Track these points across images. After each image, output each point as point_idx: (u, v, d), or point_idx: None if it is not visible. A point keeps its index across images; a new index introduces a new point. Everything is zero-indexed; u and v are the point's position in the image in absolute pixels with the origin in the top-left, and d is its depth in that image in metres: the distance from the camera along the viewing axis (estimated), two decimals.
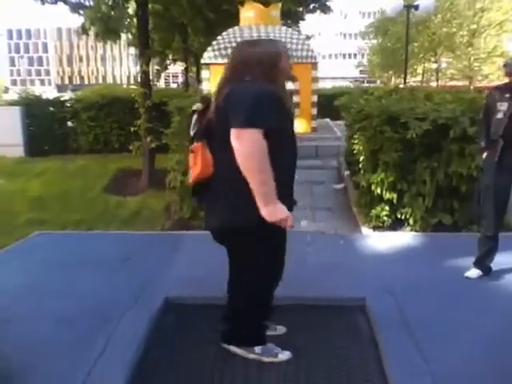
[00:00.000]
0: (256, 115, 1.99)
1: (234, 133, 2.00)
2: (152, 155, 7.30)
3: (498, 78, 28.36)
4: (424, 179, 4.80)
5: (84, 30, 6.02)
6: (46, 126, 10.50)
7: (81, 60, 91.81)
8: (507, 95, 3.34)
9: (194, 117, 2.30)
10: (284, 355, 2.52)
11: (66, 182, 7.42)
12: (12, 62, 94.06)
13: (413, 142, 4.75)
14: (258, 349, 2.50)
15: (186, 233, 5.03)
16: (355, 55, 48.18)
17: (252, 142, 1.97)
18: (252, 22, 11.11)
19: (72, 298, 3.27)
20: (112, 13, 5.43)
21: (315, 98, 11.34)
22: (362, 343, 2.75)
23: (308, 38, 18.36)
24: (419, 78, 30.84)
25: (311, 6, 14.51)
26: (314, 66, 11.17)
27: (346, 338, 2.80)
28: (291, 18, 15.68)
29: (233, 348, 2.55)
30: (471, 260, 3.65)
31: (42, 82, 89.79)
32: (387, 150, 4.93)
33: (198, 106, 2.33)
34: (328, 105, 12.13)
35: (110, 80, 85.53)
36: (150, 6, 9.54)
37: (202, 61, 11.13)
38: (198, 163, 2.21)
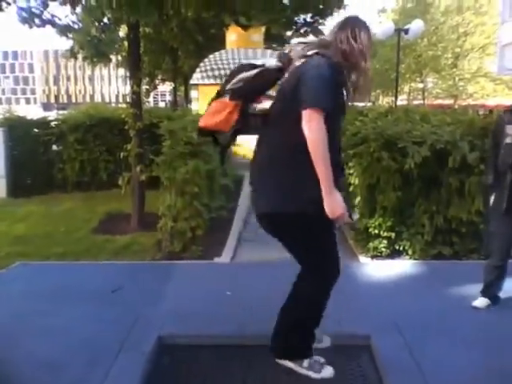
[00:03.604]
0: (324, 96, 1.94)
1: (305, 114, 1.94)
2: (142, 193, 6.80)
3: (483, 97, 28.91)
4: (423, 223, 4.69)
5: (73, 54, 5.84)
6: (29, 151, 9.68)
7: (68, 79, 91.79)
8: None
9: (253, 72, 2.10)
10: (327, 371, 2.37)
11: (51, 225, 6.95)
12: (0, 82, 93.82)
13: (411, 173, 4.62)
14: (306, 362, 2.37)
15: (177, 263, 4.86)
16: None
17: (321, 126, 1.93)
18: (234, 45, 11.50)
19: (55, 338, 3.04)
20: (103, 36, 5.27)
21: None
22: None
23: None
24: (405, 96, 31.33)
25: (302, 30, 14.69)
26: None
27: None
28: (276, 41, 15.97)
29: (287, 363, 2.40)
30: (476, 288, 3.51)
31: (28, 101, 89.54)
32: (385, 188, 4.78)
33: (271, 63, 2.15)
34: None
35: (98, 99, 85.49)
36: (140, 29, 9.47)
37: (191, 81, 11.34)
38: (220, 115, 2.10)
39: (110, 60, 6.49)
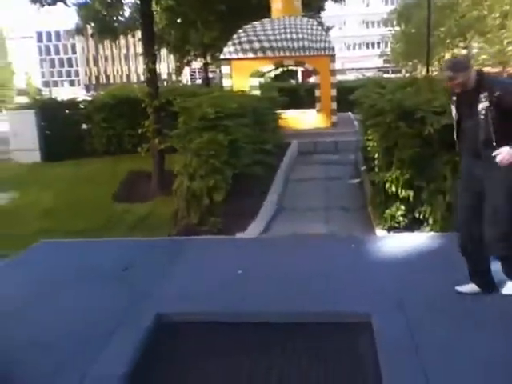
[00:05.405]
0: None
1: None
2: (161, 157, 7.26)
3: None
4: (444, 174, 4.40)
5: (79, 31, 5.90)
6: (61, 129, 10.46)
7: (106, 60, 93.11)
8: (454, 98, 3.06)
9: None
10: None
11: (77, 189, 7.56)
12: (42, 65, 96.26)
13: (430, 138, 4.37)
14: None
15: (190, 239, 4.86)
16: (379, 44, 46.77)
17: None
18: (280, 14, 11.01)
19: (55, 318, 3.11)
20: (109, 11, 5.24)
21: (334, 92, 11.04)
22: (365, 368, 2.48)
23: (328, 29, 17.98)
24: None
25: None
26: (332, 58, 10.83)
27: (347, 361, 2.55)
28: (312, 8, 15.31)
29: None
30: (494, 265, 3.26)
31: (72, 83, 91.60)
32: (402, 147, 4.58)
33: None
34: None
35: (134, 78, 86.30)
36: (163, 1, 9.36)
37: (222, 56, 10.59)
38: None
39: (117, 36, 6.58)
